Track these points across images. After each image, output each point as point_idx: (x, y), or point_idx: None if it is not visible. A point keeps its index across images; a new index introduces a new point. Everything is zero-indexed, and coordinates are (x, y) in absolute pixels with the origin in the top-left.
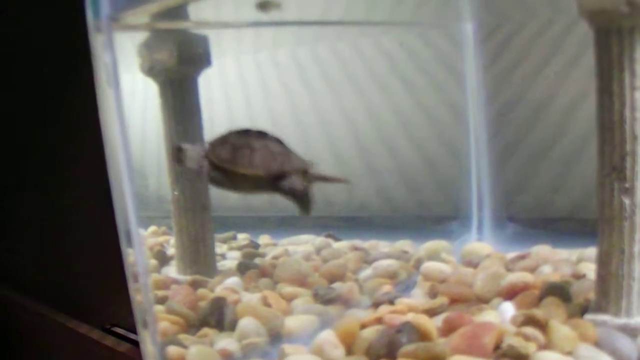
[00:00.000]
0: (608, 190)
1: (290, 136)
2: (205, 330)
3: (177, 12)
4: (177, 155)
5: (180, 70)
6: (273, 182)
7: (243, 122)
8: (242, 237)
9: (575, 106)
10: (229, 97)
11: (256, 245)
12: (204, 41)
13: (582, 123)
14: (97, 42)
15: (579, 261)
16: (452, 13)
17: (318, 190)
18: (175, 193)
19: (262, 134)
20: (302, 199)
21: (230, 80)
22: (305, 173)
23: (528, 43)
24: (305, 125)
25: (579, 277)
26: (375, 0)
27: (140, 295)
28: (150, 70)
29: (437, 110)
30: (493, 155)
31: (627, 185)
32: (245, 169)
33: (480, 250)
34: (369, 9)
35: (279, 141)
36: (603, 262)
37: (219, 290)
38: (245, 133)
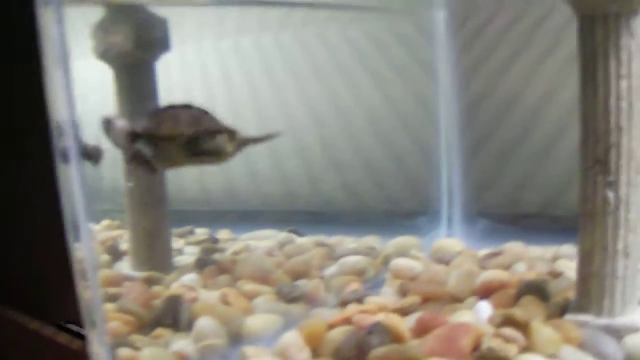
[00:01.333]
0: (591, 183)
1: (252, 127)
2: (160, 330)
3: None
4: (105, 127)
5: (136, 55)
6: (198, 144)
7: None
8: (201, 232)
9: (549, 99)
10: (188, 85)
11: (215, 240)
12: (162, 24)
13: (555, 116)
14: (45, 17)
15: (555, 259)
16: (424, 0)
17: (281, 186)
18: (130, 185)
19: (189, 106)
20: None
21: (191, 67)
22: (232, 135)
23: (501, 34)
24: (269, 116)
25: (556, 275)
26: None
27: (88, 292)
28: (105, 53)
29: (406, 102)
30: (463, 149)
31: (611, 178)
32: (170, 130)
33: (451, 247)
34: None
35: (205, 112)
36: (585, 259)
37: (174, 288)
38: (173, 106)
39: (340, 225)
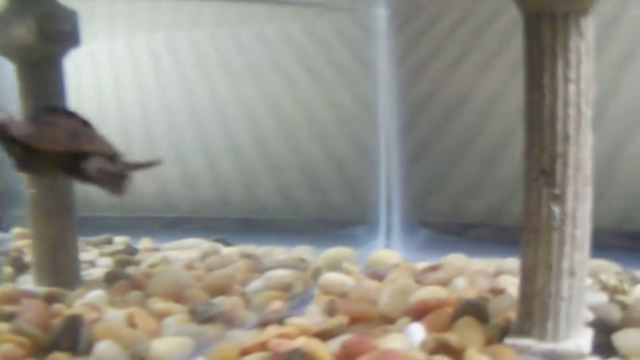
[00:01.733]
0: (535, 196)
1: (179, 127)
2: (56, 354)
3: None
4: None
5: (41, 49)
6: (74, 162)
7: (113, 111)
8: (120, 241)
9: (496, 103)
10: (99, 83)
11: (133, 251)
12: (72, 16)
13: (502, 121)
14: None
15: (497, 273)
16: None
17: (213, 188)
18: (32, 191)
19: (71, 114)
20: (110, 182)
21: (102, 63)
22: (112, 158)
23: (446, 34)
24: (199, 117)
25: (498, 292)
26: None
27: None
28: (4, 47)
29: (345, 104)
30: (405, 154)
31: (557, 191)
32: (45, 144)
33: (387, 259)
34: None
35: (87, 123)
36: (527, 278)
37: (77, 306)
38: (54, 111)
39: (275, 233)
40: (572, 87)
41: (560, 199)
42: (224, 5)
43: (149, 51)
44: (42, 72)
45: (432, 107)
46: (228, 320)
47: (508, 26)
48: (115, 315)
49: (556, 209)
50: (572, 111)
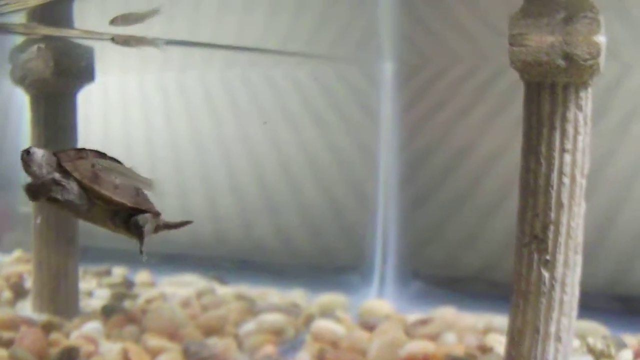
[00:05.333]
0: (526, 261)
1: (183, 163)
2: None
3: (60, 16)
4: (23, 159)
5: (56, 84)
6: (128, 215)
7: (119, 144)
8: (118, 273)
9: (494, 159)
10: (108, 119)
11: (130, 285)
12: (88, 53)
13: (500, 178)
14: None
15: (486, 331)
16: (372, 50)
17: (211, 228)
18: (38, 221)
19: (107, 156)
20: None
21: (114, 100)
22: (156, 216)
23: (450, 88)
24: (203, 154)
25: (486, 350)
26: (291, 30)
27: None
28: (22, 79)
29: (347, 151)
30: (403, 204)
31: (547, 257)
32: (111, 194)
33: (379, 310)
34: (284, 38)
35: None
36: (514, 340)
37: (74, 337)
38: (100, 154)
39: (268, 275)
40: (568, 157)
41: (550, 264)
42: (233, 52)
43: (160, 89)
44: (55, 105)
45: (433, 159)
46: None
47: (512, 84)
48: (110, 349)
49: (546, 274)
50: (566, 180)
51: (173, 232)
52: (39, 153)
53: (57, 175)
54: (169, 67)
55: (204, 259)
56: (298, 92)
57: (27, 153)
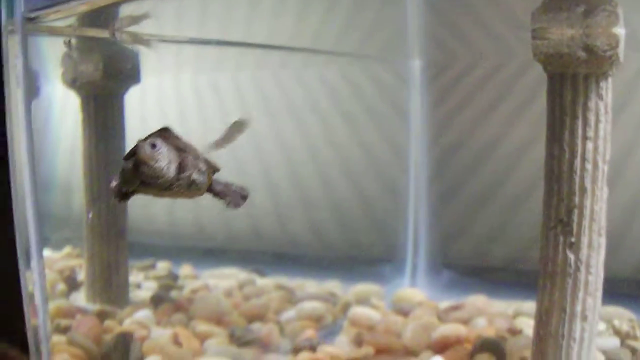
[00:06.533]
0: (552, 244)
1: (219, 161)
2: None
3: (107, 20)
4: (145, 154)
5: (105, 85)
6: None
7: None
8: (162, 267)
9: (521, 153)
10: (154, 118)
11: (175, 277)
12: (134, 56)
13: (526, 171)
14: (11, 44)
15: (515, 315)
16: (401, 48)
17: (248, 223)
18: (90, 216)
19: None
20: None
21: (158, 99)
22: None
23: (476, 85)
24: (238, 153)
25: (515, 332)
26: (320, 29)
27: (35, 321)
28: (73, 82)
29: (378, 148)
30: (433, 197)
31: (572, 239)
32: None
33: (412, 297)
34: (314, 37)
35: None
36: (542, 320)
37: (127, 324)
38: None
39: (304, 267)
40: (590, 144)
41: (575, 246)
42: (265, 52)
43: (194, 89)
44: (104, 106)
45: (461, 154)
46: (264, 345)
47: (536, 80)
48: (161, 334)
49: (571, 256)
50: (589, 166)
51: (212, 229)
52: (163, 146)
53: (201, 166)
54: (202, 68)
55: (241, 253)
56: (329, 90)
57: (152, 146)
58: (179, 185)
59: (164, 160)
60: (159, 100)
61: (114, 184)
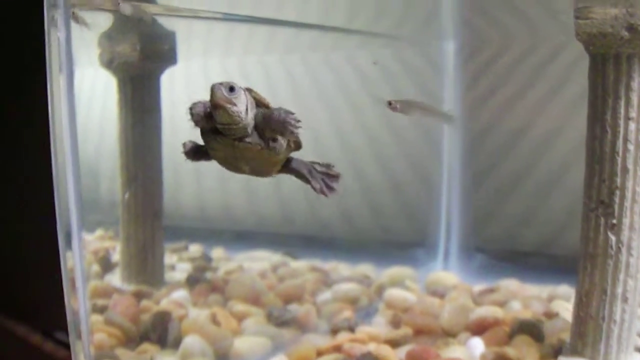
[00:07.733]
0: (593, 225)
1: None
2: (146, 345)
3: None
4: (219, 98)
5: (142, 66)
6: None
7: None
8: (195, 249)
9: (554, 137)
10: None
11: (209, 259)
12: (170, 37)
13: (560, 155)
14: (52, 19)
15: (551, 299)
16: (433, 30)
17: (278, 207)
18: (126, 196)
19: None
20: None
21: (195, 81)
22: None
23: (508, 69)
24: None
25: (552, 316)
26: (352, 11)
27: (75, 302)
28: (110, 63)
29: (409, 132)
30: (465, 182)
31: (614, 221)
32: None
33: (446, 280)
34: (345, 19)
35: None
36: (582, 301)
37: (164, 304)
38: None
39: (335, 252)
40: (632, 125)
41: (616, 228)
42: (295, 33)
43: (223, 71)
44: (141, 87)
45: (494, 138)
46: (301, 325)
47: (569, 63)
48: (199, 314)
49: (613, 238)
50: (631, 147)
51: (242, 212)
52: (241, 90)
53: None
54: (231, 52)
55: (271, 237)
56: (359, 74)
57: (230, 89)
58: (255, 143)
59: (242, 105)
60: (204, 80)
61: (186, 142)
